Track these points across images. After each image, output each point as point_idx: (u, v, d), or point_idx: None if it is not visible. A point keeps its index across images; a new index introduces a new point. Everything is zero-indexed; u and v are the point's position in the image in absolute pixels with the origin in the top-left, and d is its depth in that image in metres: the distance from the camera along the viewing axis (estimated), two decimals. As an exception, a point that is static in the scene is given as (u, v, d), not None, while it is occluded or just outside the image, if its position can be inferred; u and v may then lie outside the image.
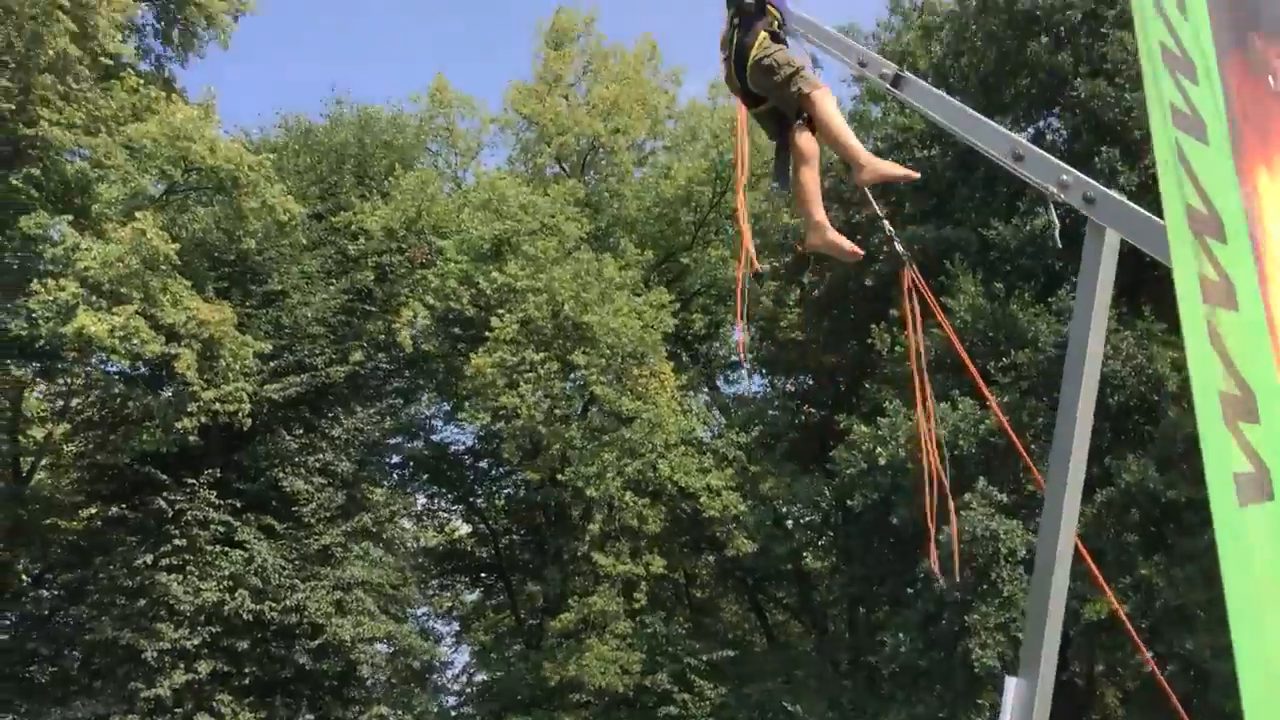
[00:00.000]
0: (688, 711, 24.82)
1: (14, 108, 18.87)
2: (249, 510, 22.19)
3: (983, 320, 19.58)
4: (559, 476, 25.97)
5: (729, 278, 28.53)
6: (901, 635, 19.57)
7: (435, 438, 31.13)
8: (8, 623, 22.67)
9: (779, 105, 4.57)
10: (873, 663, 20.97)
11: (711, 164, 28.57)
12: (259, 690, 21.42)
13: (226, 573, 21.03)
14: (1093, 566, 6.04)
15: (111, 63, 20.28)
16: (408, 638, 24.20)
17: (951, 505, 5.89)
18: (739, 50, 4.48)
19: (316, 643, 21.39)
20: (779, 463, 25.46)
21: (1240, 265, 2.39)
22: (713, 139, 29.19)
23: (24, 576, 23.91)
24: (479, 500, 31.69)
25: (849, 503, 21.40)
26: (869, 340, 21.48)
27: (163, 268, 19.44)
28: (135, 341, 18.64)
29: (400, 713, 22.88)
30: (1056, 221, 3.99)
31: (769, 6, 4.57)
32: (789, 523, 29.19)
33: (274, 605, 21.04)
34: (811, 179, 4.60)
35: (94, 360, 21.50)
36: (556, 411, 25.87)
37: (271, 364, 22.61)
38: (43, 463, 24.57)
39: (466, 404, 28.12)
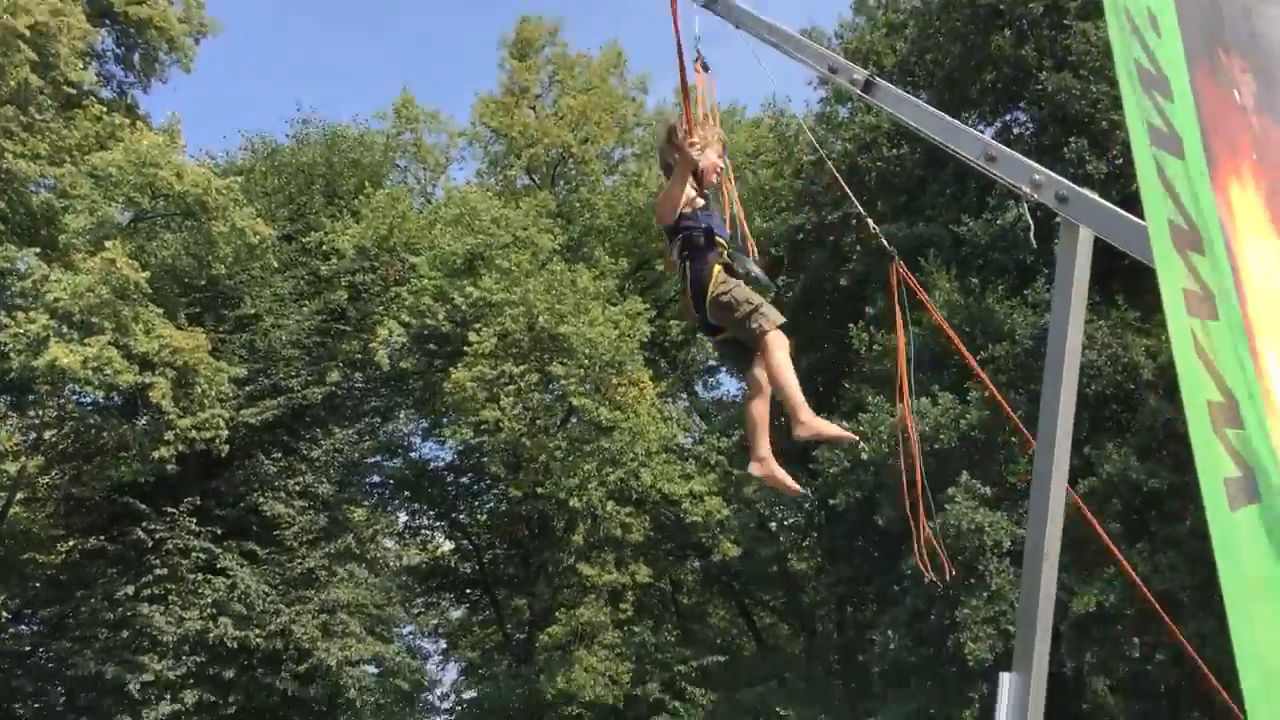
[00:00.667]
0: (680, 719, 24.80)
1: (-24, 140, 18.68)
2: (230, 536, 22.00)
3: (959, 315, 19.63)
4: (540, 489, 25.90)
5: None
6: (890, 633, 19.58)
7: (415, 455, 31.02)
8: (-11, 660, 22.40)
9: (739, 336, 4.61)
10: (863, 662, 20.96)
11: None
12: (246, 719, 21.22)
13: (209, 600, 20.83)
14: (1104, 536, 6.05)
15: (74, 91, 20.12)
16: (395, 658, 24.04)
17: (922, 509, 5.90)
18: (695, 283, 4.54)
19: (303, 667, 21.21)
20: (762, 466, 25.41)
21: (1219, 275, 2.48)
22: (682, 145, 29.17)
23: (3, 613, 23.60)
24: (461, 516, 31.56)
25: (832, 502, 21.40)
26: (847, 340, 21.51)
27: (133, 296, 19.28)
28: (108, 372, 18.48)
29: (391, 734, 22.72)
30: (1030, 223, 3.99)
31: (717, 239, 4.62)
32: (773, 525, 29.22)
33: (259, 631, 20.85)
34: (762, 412, 4.71)
35: (67, 391, 21.28)
36: (538, 423, 25.82)
37: (247, 388, 22.45)
38: (17, 497, 24.28)
39: (446, 420, 28.01)
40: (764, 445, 4.69)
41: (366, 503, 26.99)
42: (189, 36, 22.82)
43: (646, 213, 29.42)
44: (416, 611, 33.24)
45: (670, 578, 28.32)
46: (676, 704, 25.11)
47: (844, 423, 20.94)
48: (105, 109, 20.78)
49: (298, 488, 22.61)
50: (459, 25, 62.45)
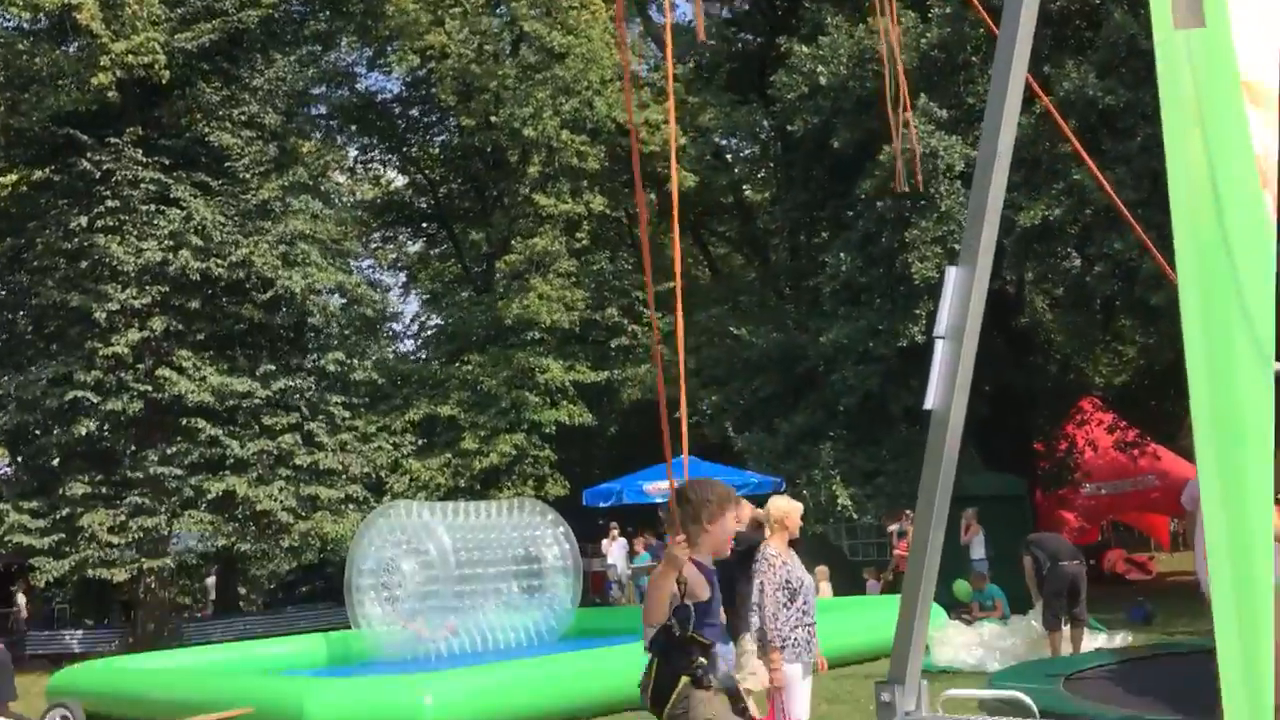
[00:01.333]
0: (638, 340, 25.81)
1: None
2: (179, 168, 21.60)
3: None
4: (493, 119, 25.46)
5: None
6: (842, 255, 20.09)
7: (360, 86, 30.11)
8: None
9: None
10: (814, 285, 21.60)
11: None
12: (216, 345, 21.73)
13: (166, 231, 20.73)
14: (1073, 140, 6.14)
15: None
16: (357, 288, 24.41)
17: (907, 115, 5.89)
18: (657, 686, 3.94)
19: (267, 295, 21.50)
20: (717, 93, 25.06)
21: None
22: None
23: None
24: (413, 150, 31.15)
25: (789, 128, 21.31)
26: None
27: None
28: (30, -10, 17.42)
29: (358, 360, 23.40)
30: None
31: (696, 639, 3.94)
32: (728, 156, 29.21)
33: (219, 262, 20.92)
34: None
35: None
36: (486, 49, 24.99)
37: (179, 10, 21.32)
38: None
39: (391, 48, 27.02)
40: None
41: (315, 134, 26.40)
42: None
43: None
44: (374, 246, 33.54)
45: (626, 210, 28.53)
46: (635, 327, 26.07)
47: (803, 47, 20.48)
48: None
49: (243, 117, 21.95)
50: None
